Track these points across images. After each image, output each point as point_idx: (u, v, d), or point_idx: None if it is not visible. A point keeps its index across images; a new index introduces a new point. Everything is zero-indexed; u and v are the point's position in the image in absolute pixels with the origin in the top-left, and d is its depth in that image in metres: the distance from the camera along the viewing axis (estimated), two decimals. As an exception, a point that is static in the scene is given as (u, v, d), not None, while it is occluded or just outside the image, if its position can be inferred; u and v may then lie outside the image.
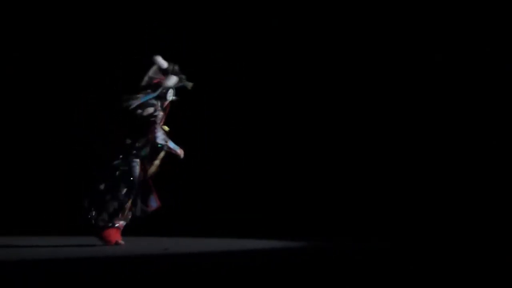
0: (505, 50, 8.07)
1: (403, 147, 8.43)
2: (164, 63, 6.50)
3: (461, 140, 8.20)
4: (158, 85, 6.45)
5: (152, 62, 6.51)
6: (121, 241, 6.21)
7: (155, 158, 6.40)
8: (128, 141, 6.36)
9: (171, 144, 6.42)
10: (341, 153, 8.69)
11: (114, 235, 6.23)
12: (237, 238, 7.23)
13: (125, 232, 6.41)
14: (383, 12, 8.58)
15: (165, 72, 6.50)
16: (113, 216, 6.21)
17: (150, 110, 6.41)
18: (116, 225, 6.23)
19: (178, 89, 6.55)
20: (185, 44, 8.68)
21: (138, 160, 6.34)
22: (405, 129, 8.43)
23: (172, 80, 6.48)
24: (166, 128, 6.47)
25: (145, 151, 6.36)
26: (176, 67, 6.55)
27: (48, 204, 8.66)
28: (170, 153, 6.45)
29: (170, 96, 6.51)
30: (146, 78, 6.48)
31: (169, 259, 5.28)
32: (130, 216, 6.33)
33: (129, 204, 6.28)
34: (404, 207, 8.15)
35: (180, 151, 6.45)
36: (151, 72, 6.50)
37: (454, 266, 4.84)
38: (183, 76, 6.57)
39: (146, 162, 6.38)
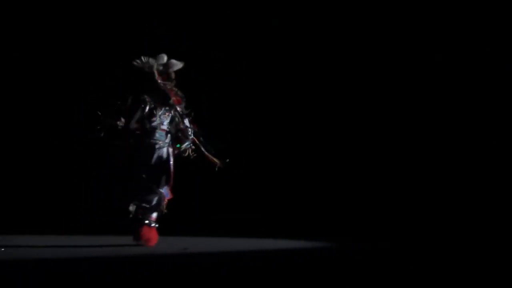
0: (505, 50, 8.07)
1: (404, 147, 8.43)
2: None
3: (461, 140, 8.21)
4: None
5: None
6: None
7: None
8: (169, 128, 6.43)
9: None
10: (341, 153, 8.69)
11: (155, 234, 6.24)
12: (238, 237, 7.23)
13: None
14: (383, 12, 8.58)
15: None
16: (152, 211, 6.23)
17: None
18: (155, 224, 6.25)
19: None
20: (185, 44, 8.67)
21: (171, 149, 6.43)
22: (405, 129, 8.43)
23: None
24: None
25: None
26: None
27: (48, 204, 8.65)
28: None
29: None
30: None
31: (170, 259, 5.28)
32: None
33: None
34: (404, 207, 8.15)
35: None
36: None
37: (454, 266, 4.83)
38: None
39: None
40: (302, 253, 5.95)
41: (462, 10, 8.24)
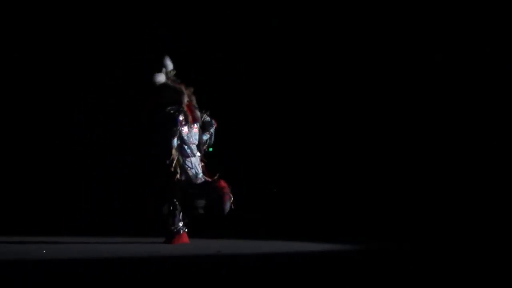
0: (505, 50, 8.07)
1: (408, 148, 8.42)
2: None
3: (462, 141, 8.20)
4: None
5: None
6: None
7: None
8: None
9: None
10: (346, 154, 8.67)
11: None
12: (239, 239, 7.23)
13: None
14: (383, 12, 8.58)
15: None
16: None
17: None
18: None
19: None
20: (185, 44, 8.67)
21: None
22: (409, 130, 8.42)
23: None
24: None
25: None
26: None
27: (48, 204, 8.66)
28: None
29: None
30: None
31: (170, 259, 5.28)
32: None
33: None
34: (414, 209, 8.12)
35: None
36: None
37: (459, 267, 4.84)
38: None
39: None
40: (307, 254, 5.94)
41: (462, 10, 8.24)
